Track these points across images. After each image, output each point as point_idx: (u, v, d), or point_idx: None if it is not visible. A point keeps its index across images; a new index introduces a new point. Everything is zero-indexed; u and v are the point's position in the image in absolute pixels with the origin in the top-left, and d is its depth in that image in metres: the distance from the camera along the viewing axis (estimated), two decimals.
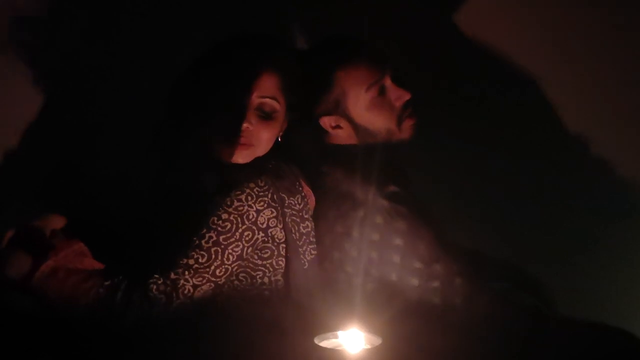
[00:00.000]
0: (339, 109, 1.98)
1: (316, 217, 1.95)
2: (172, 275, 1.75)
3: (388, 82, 1.98)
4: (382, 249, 1.89)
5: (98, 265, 1.80)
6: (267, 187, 1.82)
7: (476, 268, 1.94)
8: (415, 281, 1.88)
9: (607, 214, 2.36)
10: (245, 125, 1.84)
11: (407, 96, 1.98)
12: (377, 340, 1.63)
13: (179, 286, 1.75)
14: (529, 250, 2.29)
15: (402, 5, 2.30)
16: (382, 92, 1.97)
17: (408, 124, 1.99)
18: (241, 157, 1.86)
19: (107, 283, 1.74)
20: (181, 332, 1.73)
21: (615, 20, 2.31)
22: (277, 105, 1.87)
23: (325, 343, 1.63)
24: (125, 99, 2.28)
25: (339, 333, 1.65)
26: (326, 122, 2.00)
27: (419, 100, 2.01)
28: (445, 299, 1.85)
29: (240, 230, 1.80)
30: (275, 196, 1.83)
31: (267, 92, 1.86)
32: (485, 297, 1.85)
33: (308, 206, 1.93)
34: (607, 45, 2.32)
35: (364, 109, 1.97)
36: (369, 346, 1.62)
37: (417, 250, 1.88)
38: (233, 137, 1.85)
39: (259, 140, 1.87)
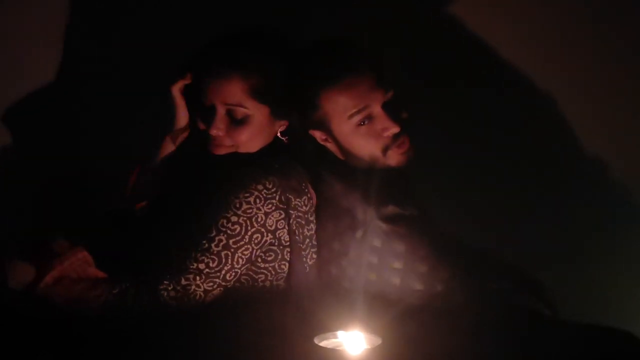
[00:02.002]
0: (324, 128, 1.93)
1: (315, 223, 1.93)
2: (183, 281, 1.75)
3: (377, 110, 1.88)
4: (380, 270, 1.87)
5: (101, 275, 1.80)
6: (274, 189, 1.81)
7: (477, 269, 1.94)
8: (416, 301, 1.86)
9: (607, 215, 2.36)
10: (214, 132, 1.85)
11: (395, 129, 1.88)
12: (377, 341, 1.62)
13: (190, 292, 1.75)
14: (529, 252, 2.28)
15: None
16: (368, 120, 1.89)
17: (396, 153, 1.91)
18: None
19: (115, 291, 1.74)
20: (181, 334, 1.73)
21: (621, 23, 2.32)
22: (246, 111, 1.85)
23: (325, 343, 1.63)
24: (127, 102, 2.28)
25: (339, 333, 1.65)
26: (317, 135, 1.95)
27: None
28: (445, 309, 1.85)
29: (249, 234, 1.79)
30: (282, 197, 1.82)
31: (230, 99, 1.84)
32: (485, 305, 1.86)
33: (313, 208, 1.91)
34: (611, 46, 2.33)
35: (347, 134, 1.90)
36: (369, 346, 1.62)
37: (416, 272, 1.86)
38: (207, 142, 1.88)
39: (236, 142, 1.87)
